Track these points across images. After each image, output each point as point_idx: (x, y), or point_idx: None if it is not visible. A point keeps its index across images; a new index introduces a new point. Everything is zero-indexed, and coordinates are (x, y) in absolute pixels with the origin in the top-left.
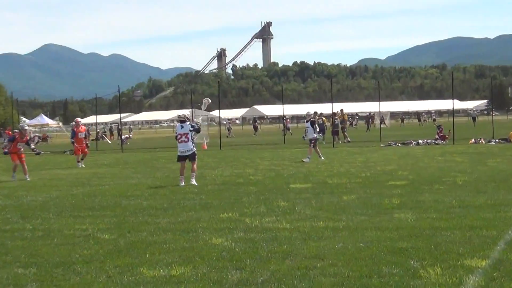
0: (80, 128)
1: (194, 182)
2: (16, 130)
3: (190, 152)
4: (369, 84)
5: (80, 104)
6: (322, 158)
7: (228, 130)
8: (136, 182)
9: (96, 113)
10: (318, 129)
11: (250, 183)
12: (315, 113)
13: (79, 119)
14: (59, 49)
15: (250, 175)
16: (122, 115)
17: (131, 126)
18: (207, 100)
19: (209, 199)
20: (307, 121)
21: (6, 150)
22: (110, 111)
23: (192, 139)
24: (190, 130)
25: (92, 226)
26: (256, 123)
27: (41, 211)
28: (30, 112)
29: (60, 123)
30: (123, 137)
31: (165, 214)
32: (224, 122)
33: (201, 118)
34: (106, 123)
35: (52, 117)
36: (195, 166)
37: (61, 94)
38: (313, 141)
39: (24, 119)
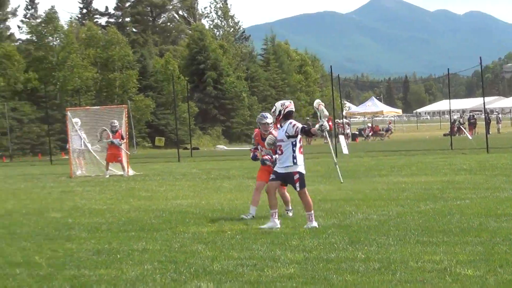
0: None
1: None
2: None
3: None
4: None
5: (426, 83)
6: None
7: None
8: (510, 195)
9: (449, 96)
10: None
11: None
12: None
13: None
14: (393, 6)
15: None
16: (487, 99)
17: (500, 115)
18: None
19: None
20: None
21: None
22: (469, 93)
23: None
24: None
25: (449, 257)
26: None
27: (376, 234)
28: (356, 95)
29: (399, 111)
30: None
31: None
32: None
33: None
34: (462, 111)
35: (389, 102)
36: None
37: (398, 68)
38: None
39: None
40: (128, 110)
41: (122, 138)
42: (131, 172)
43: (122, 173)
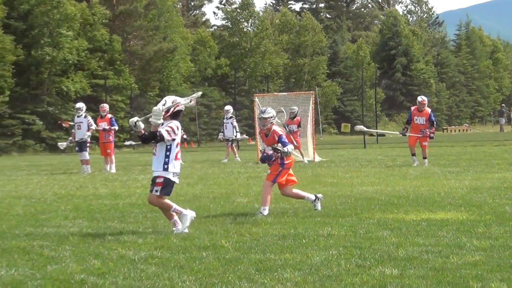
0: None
1: None
2: None
3: None
4: None
5: None
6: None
7: None
8: None
9: None
10: None
11: None
12: None
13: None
14: None
15: None
16: None
17: None
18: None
19: None
20: None
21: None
22: None
23: None
24: None
25: None
26: None
27: None
28: None
29: None
30: None
31: None
32: None
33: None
34: None
35: None
36: None
37: None
38: None
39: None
40: (315, 96)
41: (299, 126)
42: (317, 159)
43: (302, 159)
